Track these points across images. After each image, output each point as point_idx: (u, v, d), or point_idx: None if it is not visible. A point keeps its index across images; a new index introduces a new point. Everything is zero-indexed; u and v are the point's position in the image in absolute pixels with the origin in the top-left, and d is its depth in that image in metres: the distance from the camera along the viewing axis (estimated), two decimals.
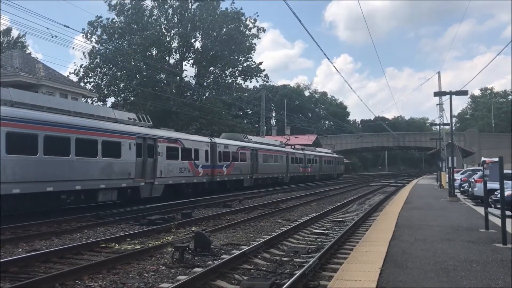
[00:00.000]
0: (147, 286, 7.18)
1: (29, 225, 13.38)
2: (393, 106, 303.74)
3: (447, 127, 44.18)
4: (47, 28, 56.85)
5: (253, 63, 55.50)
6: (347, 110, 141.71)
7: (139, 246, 10.37)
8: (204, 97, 53.05)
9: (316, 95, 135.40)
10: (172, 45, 52.69)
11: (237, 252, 9.16)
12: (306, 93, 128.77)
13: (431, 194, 26.37)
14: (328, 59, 27.28)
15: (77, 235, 12.38)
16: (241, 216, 17.17)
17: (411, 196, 24.17)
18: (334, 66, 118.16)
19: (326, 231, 13.19)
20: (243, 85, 59.28)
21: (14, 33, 65.07)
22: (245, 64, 55.34)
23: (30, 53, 54.74)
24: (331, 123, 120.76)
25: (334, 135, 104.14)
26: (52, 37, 24.99)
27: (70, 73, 49.68)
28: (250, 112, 79.53)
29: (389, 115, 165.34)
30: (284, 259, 9.32)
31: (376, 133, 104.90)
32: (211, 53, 52.26)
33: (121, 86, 50.99)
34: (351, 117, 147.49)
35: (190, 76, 54.33)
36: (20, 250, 10.26)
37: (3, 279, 7.55)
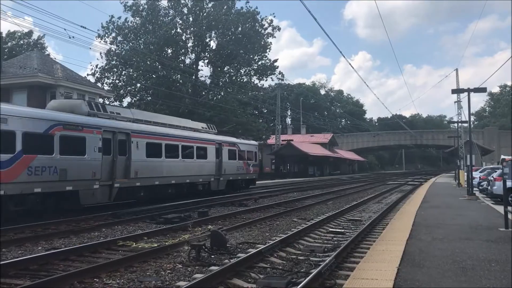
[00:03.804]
0: (164, 284, 7.23)
1: (48, 223, 13.58)
2: (411, 104, 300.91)
3: (465, 124, 43.60)
4: (65, 29, 57.42)
5: (268, 62, 55.43)
6: (363, 108, 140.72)
7: (156, 245, 10.45)
8: (220, 96, 53.15)
9: (332, 94, 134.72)
10: (188, 45, 52.95)
11: (253, 251, 9.17)
12: (322, 92, 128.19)
13: (449, 193, 26.06)
14: (345, 57, 27.61)
15: (95, 234, 12.53)
16: (256, 214, 17.19)
17: (428, 195, 23.91)
18: (351, 65, 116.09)
19: (343, 230, 13.12)
20: (258, 84, 59.28)
21: (35, 35, 66.24)
22: (260, 63, 55.31)
23: (48, 54, 55.62)
24: (348, 121, 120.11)
25: (350, 134, 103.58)
26: (70, 38, 25.31)
27: (87, 74, 50.19)
28: (265, 111, 79.48)
29: (407, 113, 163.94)
30: (300, 258, 9.30)
31: (393, 131, 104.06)
32: (226, 52, 52.36)
33: (137, 86, 51.37)
34: (368, 115, 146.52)
35: (205, 76, 54.57)
36: (40, 248, 10.42)
37: (23, 276, 7.68)
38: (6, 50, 52.99)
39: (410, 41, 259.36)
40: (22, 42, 65.91)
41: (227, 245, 9.92)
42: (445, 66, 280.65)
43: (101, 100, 35.78)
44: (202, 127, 26.25)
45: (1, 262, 8.39)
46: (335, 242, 11.13)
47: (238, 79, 55.54)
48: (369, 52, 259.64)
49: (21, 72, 29.49)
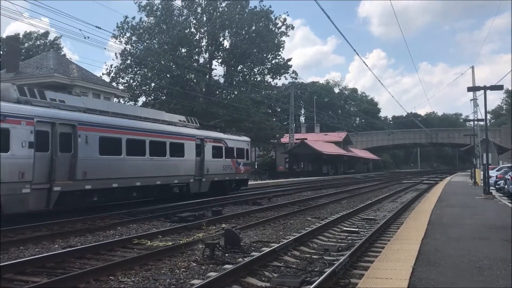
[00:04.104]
0: (179, 283, 7.28)
1: (64, 222, 13.75)
2: (426, 102, 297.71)
3: (481, 123, 43.02)
4: (80, 30, 58.19)
5: (282, 60, 55.38)
6: (378, 106, 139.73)
7: (170, 243, 10.52)
8: (233, 95, 53.23)
9: (346, 92, 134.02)
10: (202, 44, 53.13)
11: (267, 250, 9.17)
12: (336, 90, 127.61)
13: (465, 192, 25.75)
14: (359, 56, 27.30)
15: (110, 232, 12.65)
16: (270, 213, 17.19)
17: (444, 194, 23.67)
18: (365, 64, 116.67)
19: (357, 229, 13.06)
20: (272, 83, 59.23)
21: (52, 36, 67.06)
22: (273, 62, 55.28)
23: (64, 55, 56.30)
24: (362, 120, 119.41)
25: (364, 132, 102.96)
26: (85, 38, 25.57)
27: (102, 73, 50.69)
28: (279, 110, 79.40)
29: (422, 111, 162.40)
30: (314, 257, 9.29)
31: (408, 129, 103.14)
32: (239, 51, 52.42)
33: (152, 85, 51.70)
34: (382, 114, 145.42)
35: (219, 75, 54.70)
36: (56, 246, 10.56)
37: (40, 274, 7.79)
38: (23, 51, 53.65)
39: (425, 39, 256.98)
40: (38, 43, 66.78)
41: (241, 243, 9.94)
42: (461, 64, 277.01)
43: (116, 100, 36.08)
44: (180, 120, 22.81)
45: (19, 260, 8.53)
46: (349, 241, 11.08)
47: (252, 78, 55.56)
48: (383, 50, 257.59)
49: (38, 72, 29.88)
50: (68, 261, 8.76)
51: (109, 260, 8.80)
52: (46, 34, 65.87)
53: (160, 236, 11.59)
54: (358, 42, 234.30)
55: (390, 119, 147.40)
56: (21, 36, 62.36)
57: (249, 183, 42.32)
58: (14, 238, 11.16)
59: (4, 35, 55.81)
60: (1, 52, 55.22)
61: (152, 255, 8.99)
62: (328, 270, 7.33)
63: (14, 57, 33.17)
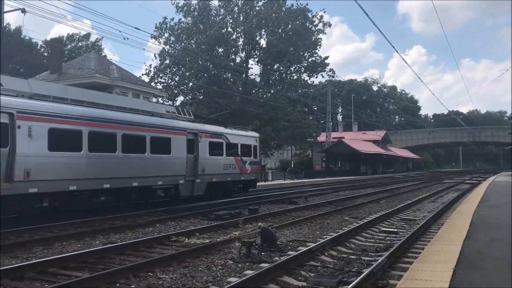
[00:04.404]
0: (215, 280, 7.34)
1: (105, 219, 14.15)
2: (468, 99, 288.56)
3: None
4: (120, 31, 59.43)
5: (318, 58, 54.95)
6: (418, 104, 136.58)
7: (207, 241, 10.63)
8: (269, 94, 53.21)
9: (385, 90, 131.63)
10: (238, 44, 53.37)
11: (303, 249, 9.13)
12: (375, 88, 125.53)
13: (510, 192, 24.80)
14: (398, 53, 26.51)
15: (149, 229, 12.91)
16: (307, 213, 17.10)
17: (487, 194, 22.86)
18: (404, 61, 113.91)
19: (396, 230, 12.81)
20: (309, 81, 58.83)
21: (93, 37, 69.09)
22: (310, 60, 54.92)
23: (105, 56, 57.80)
24: (401, 118, 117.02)
25: (404, 131, 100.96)
26: (124, 39, 26.13)
27: (142, 74, 51.72)
28: (315, 108, 78.81)
29: (464, 109, 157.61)
30: (352, 257, 9.17)
31: (450, 128, 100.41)
32: (276, 50, 52.34)
33: (190, 85, 52.35)
34: (422, 112, 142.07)
35: (255, 74, 54.78)
36: (98, 242, 10.86)
37: (82, 269, 8.03)
38: (66, 52, 55.39)
39: (467, 35, 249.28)
40: (80, 44, 68.86)
41: (277, 242, 9.93)
42: (506, 60, 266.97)
43: (154, 100, 36.76)
44: (168, 111, 19.62)
45: (62, 255, 8.82)
46: (388, 242, 10.88)
47: (288, 77, 55.35)
48: (424, 46, 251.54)
49: (80, 73, 30.79)
50: (109, 257, 8.99)
51: (148, 257, 8.97)
52: (88, 35, 67.92)
53: (197, 234, 11.72)
54: (397, 38, 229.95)
55: (431, 117, 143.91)
56: (64, 38, 64.50)
57: (285, 181, 42.53)
58: (58, 234, 11.55)
59: (48, 37, 57.85)
60: (45, 54, 57.31)
61: (189, 252, 9.11)
62: (366, 271, 7.22)
63: (57, 59, 34.34)
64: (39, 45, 61.05)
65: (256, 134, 26.05)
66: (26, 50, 56.99)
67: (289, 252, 9.16)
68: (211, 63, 49.31)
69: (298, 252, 8.77)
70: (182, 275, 7.63)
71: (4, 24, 22.32)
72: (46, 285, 6.92)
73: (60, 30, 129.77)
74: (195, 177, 19.40)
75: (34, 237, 11.06)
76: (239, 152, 23.01)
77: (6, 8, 22.05)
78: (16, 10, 22.35)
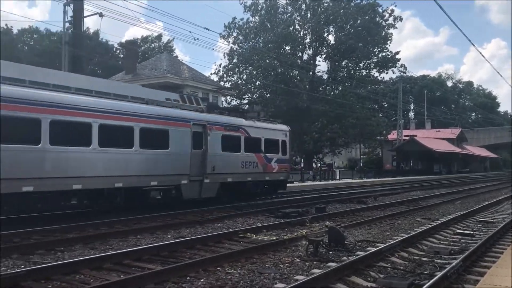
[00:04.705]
0: (283, 277, 7.35)
1: (176, 214, 14.67)
2: None
3: None
4: (190, 32, 61.32)
5: (389, 54, 53.42)
6: (497, 100, 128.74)
7: (274, 238, 10.67)
8: (337, 91, 52.47)
9: (461, 85, 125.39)
10: (305, 41, 53.09)
11: (372, 249, 8.92)
12: (449, 84, 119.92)
13: None
14: (475, 46, 25.12)
15: (218, 225, 13.19)
16: (376, 213, 16.69)
17: None
18: (482, 55, 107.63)
19: (472, 232, 12.16)
20: (379, 77, 57.35)
21: (165, 38, 71.73)
22: (380, 55, 53.54)
23: (176, 56, 59.74)
24: (479, 115, 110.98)
25: (481, 128, 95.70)
26: (194, 40, 26.91)
27: (210, 73, 52.97)
28: (386, 105, 76.64)
29: None
30: (424, 259, 8.83)
31: None
32: (344, 46, 51.52)
33: (257, 84, 52.83)
34: (501, 108, 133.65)
35: (323, 71, 54.24)
36: (169, 236, 11.25)
37: (155, 261, 8.35)
38: (140, 54, 57.85)
39: None
40: (153, 46, 71.65)
41: (345, 242, 9.77)
42: None
43: (223, 98, 37.47)
44: (169, 99, 17.00)
45: (136, 248, 9.23)
46: (463, 245, 10.36)
47: (357, 73, 54.30)
48: (503, 39, 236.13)
49: (153, 73, 32.04)
50: (180, 250, 9.28)
51: (216, 252, 9.16)
52: (160, 37, 70.54)
53: (264, 231, 11.81)
54: (475, 31, 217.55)
55: (511, 114, 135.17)
56: (138, 40, 67.40)
57: (353, 180, 41.78)
58: (133, 228, 12.11)
59: (123, 40, 60.73)
60: (120, 55, 60.23)
61: (257, 248, 9.20)
62: (439, 274, 6.91)
63: (132, 60, 35.96)
64: (115, 47, 64.27)
65: (285, 128, 22.36)
66: (103, 52, 60.20)
67: (358, 252, 8.98)
68: (278, 61, 49.46)
69: (367, 253, 8.58)
70: (249, 271, 7.72)
71: (84, 28, 23.64)
72: (122, 276, 7.26)
73: (134, 32, 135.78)
74: (203, 176, 16.74)
75: (110, 230, 11.67)
76: (263, 148, 19.99)
77: (85, 13, 23.39)
78: (94, 14, 23.73)
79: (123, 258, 8.26)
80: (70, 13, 22.90)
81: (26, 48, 62.74)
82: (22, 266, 7.83)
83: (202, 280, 7.09)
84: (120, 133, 14.08)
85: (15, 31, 61.26)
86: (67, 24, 23.25)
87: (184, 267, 7.53)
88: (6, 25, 58.89)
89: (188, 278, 7.18)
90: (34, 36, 64.62)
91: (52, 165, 12.19)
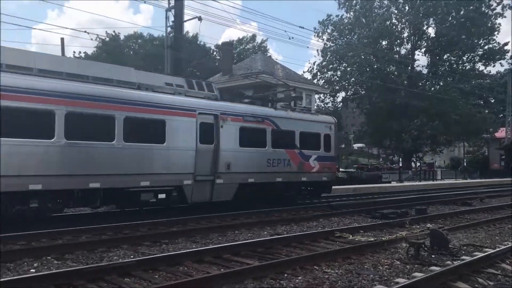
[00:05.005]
0: (382, 279, 7.15)
1: (272, 211, 14.96)
2: None
3: None
4: (285, 31, 61.81)
5: (496, 45, 49.60)
6: None
7: (372, 239, 10.41)
8: (438, 86, 49.78)
9: None
10: (403, 35, 51.12)
11: (480, 254, 8.37)
12: None
13: None
14: None
15: (313, 223, 13.17)
16: (483, 216, 15.60)
17: None
18: None
19: None
20: (484, 71, 53.46)
21: (259, 39, 73.09)
22: (486, 47, 49.89)
23: (270, 56, 60.56)
24: None
25: None
26: (289, 38, 27.08)
27: (303, 71, 53.06)
28: (493, 101, 71.22)
29: None
30: None
31: None
32: (446, 39, 48.75)
33: (351, 80, 51.89)
34: None
35: (422, 66, 51.88)
36: (265, 233, 11.46)
37: (252, 257, 8.54)
38: (235, 55, 59.40)
39: None
40: (248, 47, 73.23)
41: (449, 245, 9.25)
42: None
43: (317, 96, 37.26)
44: (169, 84, 14.03)
45: (234, 243, 9.51)
46: None
47: (460, 67, 51.13)
48: None
49: (248, 74, 32.67)
50: (276, 247, 9.40)
51: (312, 250, 9.15)
52: (254, 37, 71.93)
53: (361, 231, 11.57)
54: None
55: None
56: (234, 41, 69.31)
57: (456, 181, 39.40)
58: (231, 223, 12.52)
59: (220, 42, 62.94)
60: (217, 57, 62.36)
61: (354, 249, 9.04)
62: None
63: (228, 61, 37.01)
64: (211, 50, 66.62)
65: (329, 119, 19.24)
66: (201, 54, 62.68)
67: (463, 257, 8.47)
68: (374, 57, 48.19)
69: (474, 258, 8.06)
70: (347, 271, 7.61)
71: (184, 32, 24.83)
72: (222, 270, 7.53)
73: (230, 34, 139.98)
74: (215, 176, 14.31)
75: (210, 224, 12.17)
76: (297, 143, 17.15)
77: (185, 17, 24.52)
78: (194, 18, 24.78)
79: (222, 252, 8.56)
80: (171, 18, 24.20)
81: (131, 52, 67.23)
82: (132, 256, 8.44)
83: (299, 278, 7.12)
84: (96, 123, 11.82)
85: (122, 37, 65.91)
86: (168, 29, 24.59)
87: (281, 264, 7.62)
88: (114, 31, 63.57)
89: (285, 275, 7.25)
90: (139, 41, 69.03)
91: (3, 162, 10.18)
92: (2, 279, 6.29)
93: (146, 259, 7.73)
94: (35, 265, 7.71)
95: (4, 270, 7.27)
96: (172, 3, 23.68)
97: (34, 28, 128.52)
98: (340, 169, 37.88)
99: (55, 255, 8.29)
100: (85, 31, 26.46)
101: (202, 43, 63.88)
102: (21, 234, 9.65)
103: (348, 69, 50.64)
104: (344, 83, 52.27)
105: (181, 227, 11.87)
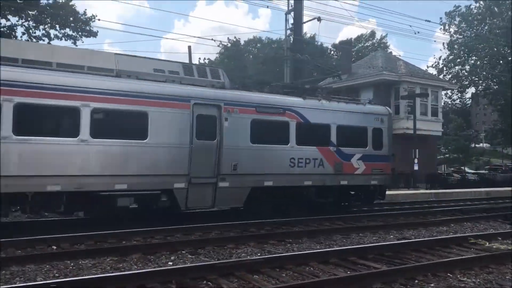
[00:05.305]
0: None
1: (397, 214, 14.49)
2: None
3: None
4: (410, 26, 58.99)
5: None
6: None
7: None
8: None
9: None
10: None
11: None
12: None
13: None
14: None
15: (443, 228, 12.43)
16: None
17: None
18: None
19: None
20: None
21: (378, 35, 70.92)
22: None
23: (391, 52, 58.40)
24: None
25: None
26: (415, 33, 25.96)
27: (427, 66, 50.14)
28: None
29: None
30: None
31: None
32: None
33: (482, 74, 48.01)
34: None
35: None
36: (391, 237, 11.08)
37: (379, 261, 8.31)
38: (353, 53, 58.27)
39: None
40: (367, 44, 71.38)
41: None
42: None
43: (443, 93, 35.05)
44: (160, 70, 11.95)
45: (361, 246, 9.34)
46: None
47: None
48: None
49: (368, 72, 31.88)
50: (403, 252, 9.02)
51: (445, 257, 8.64)
52: (373, 34, 69.85)
53: (499, 238, 10.63)
54: None
55: None
56: (352, 39, 68.02)
57: None
58: (354, 225, 12.33)
59: (337, 41, 62.18)
60: (335, 56, 61.77)
61: (493, 257, 8.34)
62: None
63: (347, 60, 36.48)
64: (328, 49, 66.09)
65: (380, 109, 15.76)
66: (319, 55, 62.52)
67: None
68: (508, 48, 44.02)
69: None
70: (486, 281, 7.05)
71: (303, 33, 25.02)
72: (348, 272, 7.44)
73: (347, 33, 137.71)
74: (218, 178, 12.05)
75: (333, 226, 12.11)
76: (333, 139, 14.12)
77: (304, 19, 24.66)
78: (313, 19, 24.83)
79: (348, 254, 8.45)
80: (290, 20, 24.54)
81: (251, 57, 69.45)
82: (259, 254, 8.73)
83: (432, 284, 6.77)
84: (56, 116, 10.48)
85: (242, 42, 68.40)
86: (288, 32, 24.97)
87: (411, 269, 7.32)
88: (235, 37, 66.30)
89: (416, 281, 6.94)
90: (258, 45, 71.04)
91: None
92: (150, 269, 6.91)
93: (273, 257, 7.94)
94: (172, 258, 8.34)
95: (145, 261, 7.98)
96: (292, 5, 24.02)
97: (165, 38, 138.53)
98: (469, 171, 35.25)
99: (189, 250, 8.90)
100: (212, 39, 27.96)
101: (319, 43, 63.74)
102: (158, 229, 10.52)
103: (478, 62, 46.90)
104: (473, 77, 48.55)
105: (303, 227, 11.99)
